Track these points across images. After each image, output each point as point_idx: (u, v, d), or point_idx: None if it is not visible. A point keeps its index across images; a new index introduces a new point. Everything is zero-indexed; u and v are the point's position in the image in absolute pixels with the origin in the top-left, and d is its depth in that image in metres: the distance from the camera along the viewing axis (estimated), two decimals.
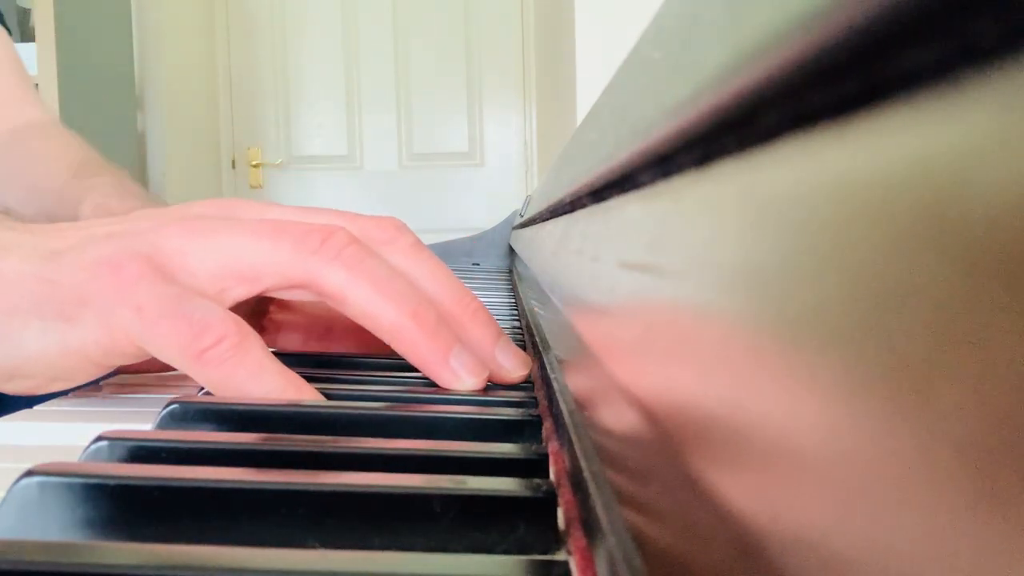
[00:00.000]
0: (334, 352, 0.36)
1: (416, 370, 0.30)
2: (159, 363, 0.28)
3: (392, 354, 0.30)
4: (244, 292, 0.29)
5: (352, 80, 2.75)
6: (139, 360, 0.28)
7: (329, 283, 0.28)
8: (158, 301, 0.26)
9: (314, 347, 0.36)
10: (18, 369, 0.28)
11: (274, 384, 0.27)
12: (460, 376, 0.28)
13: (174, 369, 0.29)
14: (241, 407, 0.25)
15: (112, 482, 0.17)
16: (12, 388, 0.29)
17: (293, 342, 0.36)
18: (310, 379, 0.31)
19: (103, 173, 0.59)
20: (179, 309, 0.26)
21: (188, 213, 0.30)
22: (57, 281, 0.27)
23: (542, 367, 0.29)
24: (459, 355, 0.28)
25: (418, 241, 0.31)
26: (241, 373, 0.26)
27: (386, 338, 0.29)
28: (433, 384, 0.30)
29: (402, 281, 0.29)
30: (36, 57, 1.87)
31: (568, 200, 0.35)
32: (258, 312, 0.35)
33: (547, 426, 0.24)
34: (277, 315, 0.36)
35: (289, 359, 0.35)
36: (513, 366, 0.30)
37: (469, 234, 1.18)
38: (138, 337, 0.27)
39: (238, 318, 0.27)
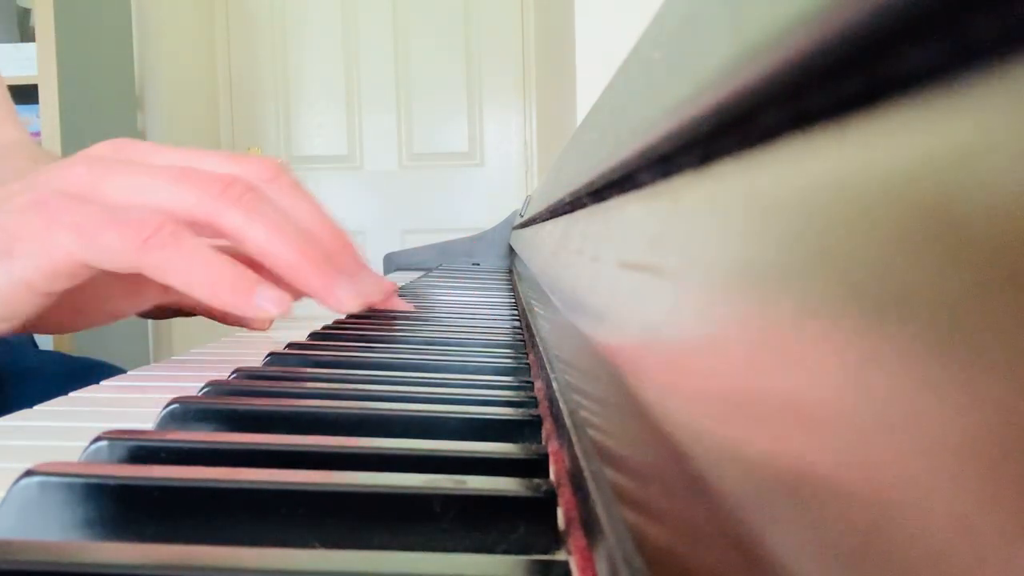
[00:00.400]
0: None
1: (416, 370, 0.30)
2: (69, 322, 0.32)
3: (390, 355, 0.30)
4: None
5: (352, 80, 2.75)
6: (79, 279, 0.30)
7: (229, 223, 0.31)
8: (93, 217, 0.29)
9: None
10: None
11: (211, 259, 0.29)
12: (344, 302, 0.34)
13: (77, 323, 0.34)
14: (241, 407, 0.25)
15: (112, 482, 0.17)
16: None
17: None
18: (310, 379, 0.31)
19: None
20: (116, 217, 0.29)
21: (90, 155, 0.33)
22: None
23: (542, 367, 0.29)
24: (343, 285, 0.33)
25: (297, 181, 0.35)
26: (180, 255, 0.29)
27: (281, 272, 0.32)
28: (432, 384, 0.30)
29: (292, 224, 0.32)
30: (36, 57, 1.87)
31: (568, 200, 0.35)
32: None
33: (547, 426, 0.24)
34: None
35: (289, 359, 0.35)
36: (376, 291, 0.36)
37: (469, 234, 1.18)
38: (81, 252, 0.29)
39: (170, 215, 0.30)
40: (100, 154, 0.33)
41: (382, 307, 0.44)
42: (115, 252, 0.29)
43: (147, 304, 0.36)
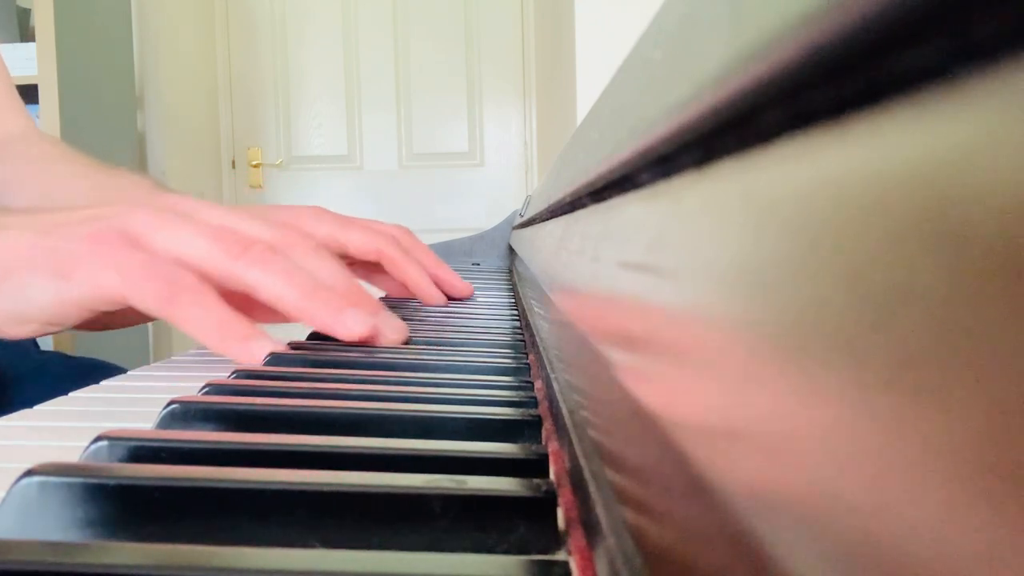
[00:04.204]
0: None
1: (416, 370, 0.30)
2: (122, 320, 0.39)
3: (390, 355, 0.30)
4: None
5: (352, 80, 2.74)
6: (118, 308, 0.37)
7: (248, 279, 0.37)
8: (138, 264, 0.36)
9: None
10: (22, 315, 0.37)
11: (223, 316, 0.35)
12: (351, 328, 0.38)
13: (136, 322, 0.41)
14: (241, 407, 0.25)
15: (112, 482, 0.17)
16: (16, 332, 0.38)
17: None
18: (310, 379, 0.31)
19: (131, 174, 0.63)
20: (155, 270, 0.35)
21: (156, 204, 0.39)
22: (55, 247, 0.36)
23: (542, 367, 0.29)
24: (349, 314, 0.38)
25: (317, 245, 0.41)
26: (200, 311, 0.35)
27: (292, 313, 0.38)
28: (432, 384, 0.30)
29: (302, 272, 0.38)
30: (36, 57, 1.87)
31: (568, 200, 0.35)
32: None
33: (547, 426, 0.24)
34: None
35: (289, 359, 0.35)
36: (392, 330, 0.39)
37: (469, 234, 1.17)
38: (124, 291, 0.35)
39: (197, 272, 0.36)
40: (162, 205, 0.39)
41: (459, 296, 0.61)
42: (148, 300, 0.35)
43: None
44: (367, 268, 0.60)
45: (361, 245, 0.56)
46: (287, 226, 0.41)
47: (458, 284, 0.61)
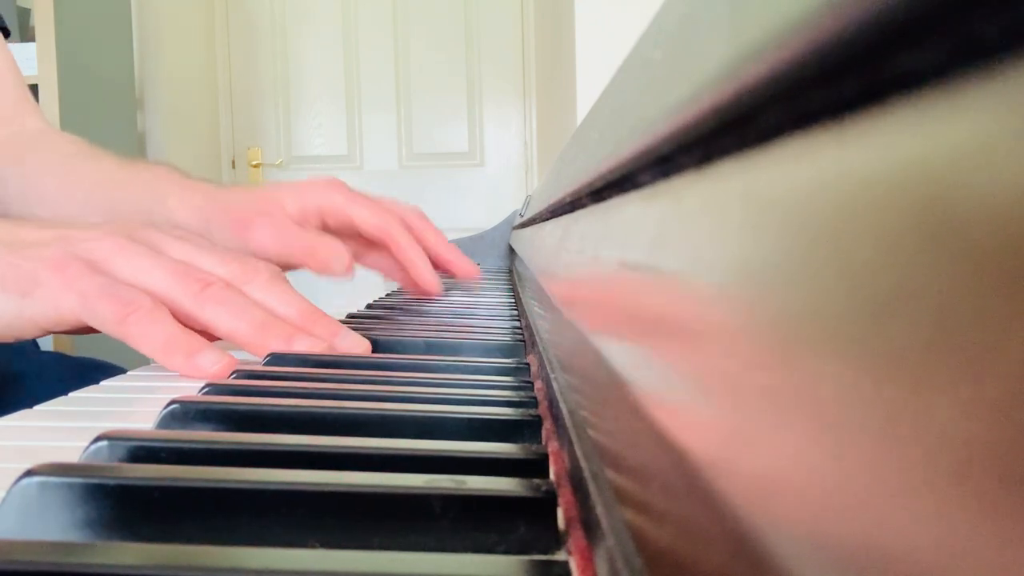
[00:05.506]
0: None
1: (416, 370, 0.30)
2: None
3: (390, 355, 0.30)
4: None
5: (352, 80, 2.74)
6: (77, 330, 0.39)
7: (203, 317, 0.39)
8: (95, 288, 0.37)
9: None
10: None
11: (171, 331, 0.37)
12: (302, 352, 0.38)
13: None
14: (241, 407, 0.25)
15: (112, 482, 0.17)
16: None
17: None
18: (310, 379, 0.31)
19: (153, 168, 0.64)
20: (110, 291, 0.37)
21: (126, 232, 0.41)
22: (20, 265, 0.38)
23: (542, 367, 0.29)
24: (299, 340, 0.39)
25: (274, 275, 0.42)
26: (150, 328, 0.36)
27: (249, 348, 0.39)
28: (433, 384, 0.30)
29: (253, 308, 0.40)
30: (36, 57, 1.87)
31: (568, 200, 0.35)
32: None
33: (547, 426, 0.24)
34: None
35: (289, 359, 0.35)
36: (352, 344, 0.40)
37: (469, 234, 1.17)
38: (81, 314, 0.37)
39: (153, 297, 0.37)
40: (126, 233, 0.40)
41: (466, 275, 0.65)
42: (103, 320, 0.37)
43: None
44: (369, 247, 0.62)
45: (370, 221, 0.57)
46: (246, 259, 0.43)
47: (465, 264, 0.63)
